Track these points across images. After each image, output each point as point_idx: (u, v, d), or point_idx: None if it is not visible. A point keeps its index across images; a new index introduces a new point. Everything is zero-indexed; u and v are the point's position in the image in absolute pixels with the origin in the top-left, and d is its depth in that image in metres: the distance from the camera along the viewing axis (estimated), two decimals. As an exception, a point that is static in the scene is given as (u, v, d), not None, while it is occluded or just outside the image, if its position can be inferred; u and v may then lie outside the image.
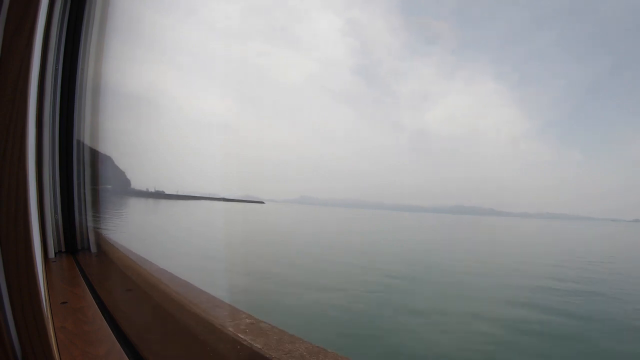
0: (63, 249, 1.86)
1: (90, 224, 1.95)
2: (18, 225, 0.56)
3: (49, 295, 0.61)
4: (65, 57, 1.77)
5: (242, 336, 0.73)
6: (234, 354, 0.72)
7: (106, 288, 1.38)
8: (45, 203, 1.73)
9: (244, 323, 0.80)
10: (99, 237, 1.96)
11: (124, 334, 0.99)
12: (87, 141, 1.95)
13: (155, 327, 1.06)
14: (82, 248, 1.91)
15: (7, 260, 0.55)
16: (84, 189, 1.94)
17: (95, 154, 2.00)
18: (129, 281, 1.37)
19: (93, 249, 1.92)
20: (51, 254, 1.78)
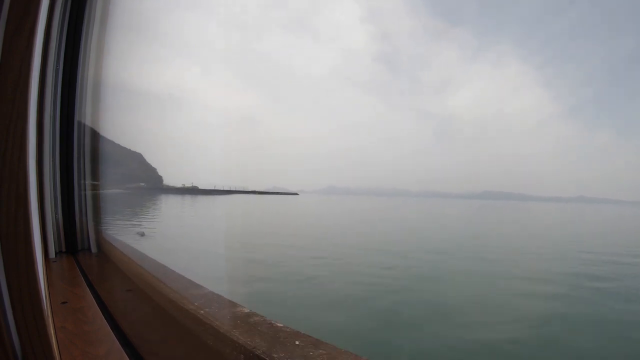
0: (63, 249, 1.86)
1: (90, 223, 1.95)
2: (18, 225, 0.56)
3: (49, 295, 0.61)
4: (66, 57, 1.77)
5: (243, 337, 0.73)
6: (236, 354, 0.72)
7: (106, 288, 1.38)
8: (45, 203, 1.73)
9: (249, 322, 0.80)
10: (99, 237, 1.96)
11: (124, 334, 0.99)
12: (87, 140, 1.95)
13: (155, 327, 1.06)
14: (82, 248, 1.91)
15: (8, 260, 0.56)
16: (85, 189, 1.94)
17: (96, 154, 2.00)
18: (129, 281, 1.37)
19: (93, 249, 1.93)
20: (51, 254, 1.78)
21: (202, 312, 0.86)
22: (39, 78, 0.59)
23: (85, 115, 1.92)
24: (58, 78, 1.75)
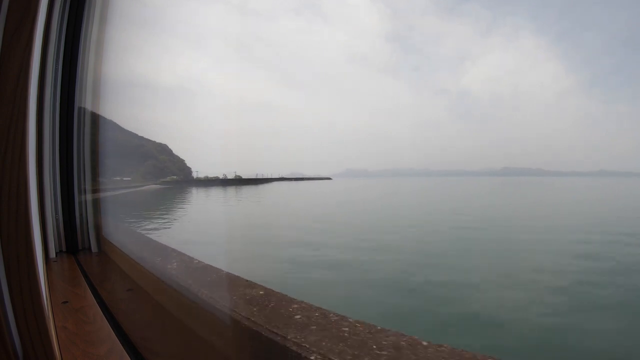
0: (64, 249, 1.86)
1: (91, 223, 1.95)
2: (19, 225, 0.56)
3: (50, 295, 0.61)
4: (65, 56, 1.76)
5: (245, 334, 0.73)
6: (236, 353, 0.72)
7: (107, 288, 1.38)
8: (46, 203, 1.73)
9: (249, 317, 0.80)
10: (99, 236, 1.96)
11: (125, 334, 0.99)
12: (88, 139, 1.94)
13: (157, 326, 1.06)
14: (82, 248, 1.91)
15: (8, 260, 0.56)
16: (85, 190, 1.94)
17: (96, 153, 2.00)
18: (130, 281, 1.37)
19: (94, 248, 1.93)
20: (52, 254, 1.78)
21: (202, 311, 0.86)
22: (39, 77, 0.59)
23: (87, 113, 1.91)
24: (57, 76, 1.74)
